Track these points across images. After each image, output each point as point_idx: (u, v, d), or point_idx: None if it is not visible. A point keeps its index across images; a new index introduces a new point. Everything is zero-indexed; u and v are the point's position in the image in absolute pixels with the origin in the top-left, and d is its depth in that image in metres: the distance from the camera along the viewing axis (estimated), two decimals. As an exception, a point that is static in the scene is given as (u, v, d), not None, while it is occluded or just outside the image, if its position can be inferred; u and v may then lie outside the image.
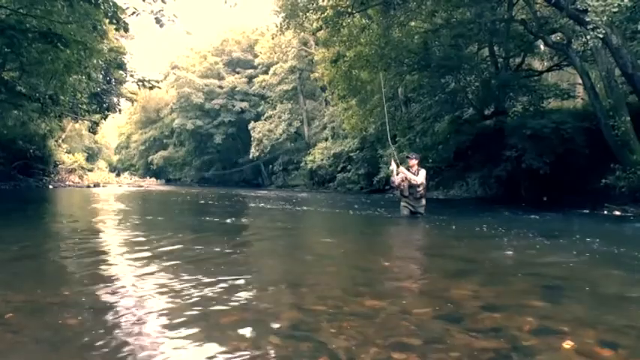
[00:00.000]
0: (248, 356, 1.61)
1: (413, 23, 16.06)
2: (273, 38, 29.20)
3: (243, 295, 2.45)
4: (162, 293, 2.43)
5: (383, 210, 10.28)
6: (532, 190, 13.84)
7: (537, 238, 5.25)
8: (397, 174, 7.76)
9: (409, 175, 7.59)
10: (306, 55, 36.87)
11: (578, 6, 10.23)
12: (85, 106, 21.87)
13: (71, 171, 29.67)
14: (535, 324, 2.01)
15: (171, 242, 4.59)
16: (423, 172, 7.72)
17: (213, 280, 2.76)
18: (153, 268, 3.10)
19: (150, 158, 54.65)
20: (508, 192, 14.70)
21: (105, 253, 3.95)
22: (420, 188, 7.64)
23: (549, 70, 16.70)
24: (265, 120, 39.67)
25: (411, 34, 16.17)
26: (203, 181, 50.53)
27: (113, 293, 2.44)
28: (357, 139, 27.21)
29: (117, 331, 1.83)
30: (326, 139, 34.67)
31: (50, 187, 23.04)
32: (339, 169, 30.11)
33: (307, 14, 16.24)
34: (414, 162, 7.82)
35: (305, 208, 11.29)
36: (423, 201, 7.80)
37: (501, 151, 13.72)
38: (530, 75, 16.09)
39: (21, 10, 12.40)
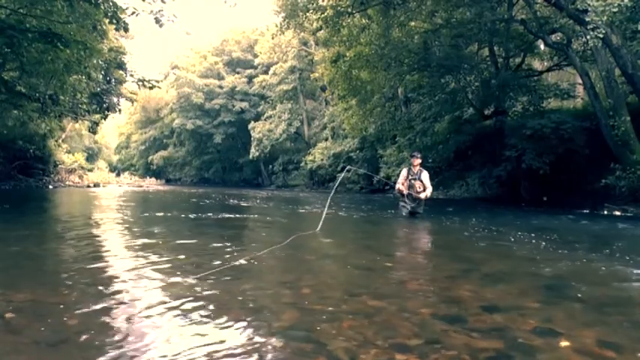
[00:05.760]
0: (248, 356, 1.61)
1: (413, 23, 16.07)
2: (273, 38, 29.21)
3: (243, 294, 2.45)
4: (162, 292, 2.43)
5: (383, 210, 10.28)
6: (532, 190, 13.85)
7: (537, 237, 5.24)
8: (403, 191, 7.69)
9: (422, 196, 7.52)
10: (306, 55, 36.88)
11: (578, 6, 10.24)
12: (85, 106, 21.88)
13: (71, 171, 29.66)
14: (535, 324, 2.02)
15: (172, 241, 4.59)
16: (426, 175, 7.66)
17: (212, 279, 2.76)
18: (153, 266, 3.10)
19: (150, 158, 54.65)
20: (508, 192, 14.70)
21: (105, 252, 3.95)
22: (421, 190, 7.62)
23: (549, 70, 16.72)
24: (265, 120, 39.67)
25: (411, 34, 16.18)
26: (203, 181, 50.55)
27: (113, 293, 2.45)
28: (357, 139, 27.21)
29: (117, 331, 1.83)
30: (326, 139, 34.68)
31: (50, 187, 23.04)
32: (339, 169, 30.13)
33: (307, 14, 16.25)
34: (417, 161, 7.76)
35: (305, 208, 11.29)
36: (422, 201, 7.78)
37: (501, 151, 13.74)
38: (530, 75, 16.10)
39: (21, 10, 12.40)
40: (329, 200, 7.48)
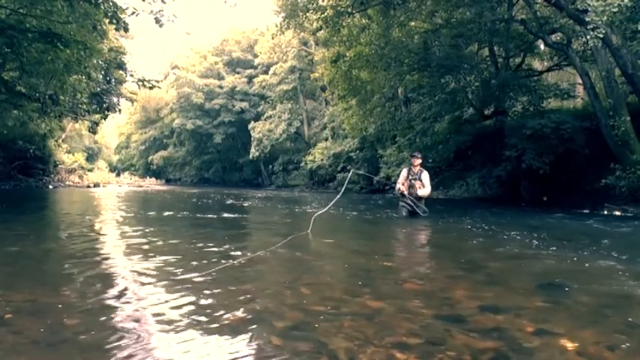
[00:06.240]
0: (248, 356, 1.61)
1: (413, 23, 16.06)
2: (273, 38, 29.21)
3: (243, 294, 2.45)
4: (161, 292, 2.44)
5: (382, 210, 10.28)
6: (532, 190, 13.85)
7: (537, 238, 5.24)
8: (404, 191, 7.67)
9: (420, 193, 7.52)
10: (306, 55, 36.87)
11: (578, 6, 10.23)
12: (85, 106, 21.89)
13: (71, 171, 29.66)
14: (535, 324, 2.01)
15: (170, 240, 4.59)
16: (426, 175, 7.65)
17: (212, 279, 2.76)
18: (152, 266, 3.10)
19: (150, 158, 54.66)
20: (508, 192, 14.70)
21: (104, 252, 3.95)
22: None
23: (549, 70, 16.72)
24: (265, 120, 39.67)
25: (411, 34, 16.18)
26: (203, 181, 50.55)
27: (113, 293, 2.45)
28: (357, 139, 27.22)
29: (117, 331, 1.83)
30: (326, 139, 34.68)
31: (50, 187, 23.04)
32: (339, 169, 30.13)
33: (307, 14, 16.25)
34: (418, 161, 7.76)
35: (304, 208, 11.30)
36: (422, 200, 7.78)
37: (501, 151, 13.73)
38: (530, 75, 16.10)
39: (21, 10, 12.41)
40: (332, 203, 7.50)
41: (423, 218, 7.55)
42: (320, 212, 6.51)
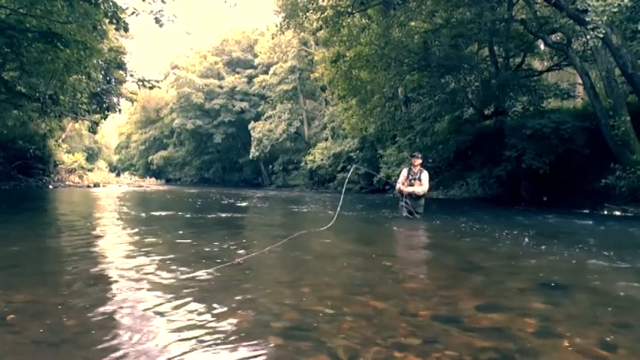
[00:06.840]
0: (248, 356, 1.61)
1: (413, 23, 16.05)
2: (273, 38, 29.23)
3: (243, 294, 2.45)
4: (161, 292, 2.44)
5: (382, 210, 10.28)
6: (532, 190, 13.84)
7: (537, 238, 5.25)
8: (402, 191, 7.71)
9: (416, 190, 7.57)
10: (306, 55, 36.87)
11: (578, 6, 10.23)
12: (85, 106, 21.88)
13: (71, 171, 29.63)
14: (535, 324, 2.02)
15: (171, 240, 4.59)
16: (425, 175, 7.67)
17: (212, 278, 2.77)
18: (152, 266, 3.10)
19: (150, 158, 54.66)
20: (508, 192, 14.70)
21: (104, 252, 3.96)
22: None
23: (549, 70, 16.71)
24: (265, 120, 39.68)
25: (411, 34, 16.17)
26: (203, 181, 50.56)
27: (112, 293, 2.45)
28: (357, 139, 27.23)
29: (117, 331, 1.83)
30: (326, 139, 34.68)
31: (50, 187, 23.03)
32: (339, 169, 30.12)
33: (307, 14, 16.25)
34: (418, 161, 7.77)
35: (304, 207, 11.30)
36: (422, 201, 7.79)
37: (501, 151, 13.73)
38: (530, 75, 16.09)
39: (21, 10, 12.41)
40: (341, 201, 7.55)
41: (422, 219, 7.56)
42: (337, 212, 6.65)
